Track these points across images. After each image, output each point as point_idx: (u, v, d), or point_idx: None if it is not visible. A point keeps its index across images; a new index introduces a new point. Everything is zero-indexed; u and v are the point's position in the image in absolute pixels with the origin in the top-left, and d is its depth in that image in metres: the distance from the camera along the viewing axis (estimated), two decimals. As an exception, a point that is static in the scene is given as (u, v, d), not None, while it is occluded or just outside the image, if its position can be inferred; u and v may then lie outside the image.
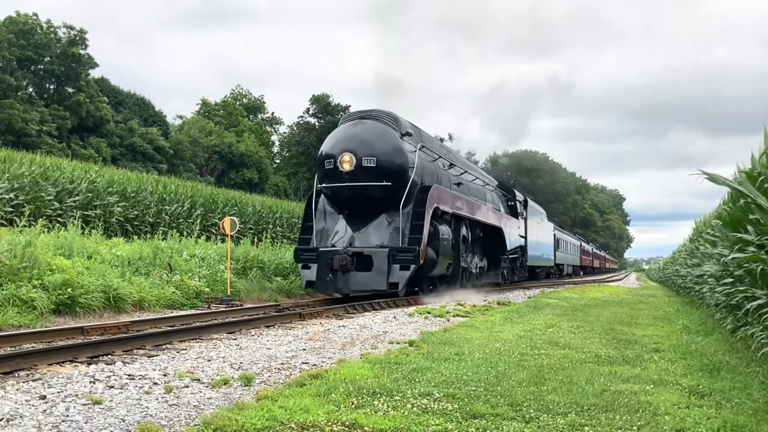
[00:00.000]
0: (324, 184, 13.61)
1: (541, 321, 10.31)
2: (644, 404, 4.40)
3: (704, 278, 11.53)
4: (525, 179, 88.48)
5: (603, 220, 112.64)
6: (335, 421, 3.71)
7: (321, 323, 9.07)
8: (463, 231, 16.46)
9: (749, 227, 6.59)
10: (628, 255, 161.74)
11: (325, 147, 13.76)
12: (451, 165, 17.20)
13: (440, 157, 16.26)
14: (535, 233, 27.55)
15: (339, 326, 8.77)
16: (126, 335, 6.53)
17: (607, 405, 4.32)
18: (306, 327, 8.60)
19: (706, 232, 11.92)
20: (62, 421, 3.53)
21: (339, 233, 13.44)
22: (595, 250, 68.48)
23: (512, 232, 22.18)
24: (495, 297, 16.49)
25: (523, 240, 24.44)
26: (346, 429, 3.61)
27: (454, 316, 10.80)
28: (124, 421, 3.60)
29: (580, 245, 53.99)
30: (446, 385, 4.79)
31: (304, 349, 6.55)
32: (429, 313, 10.91)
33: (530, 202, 27.27)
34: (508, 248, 21.25)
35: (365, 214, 13.49)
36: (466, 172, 18.57)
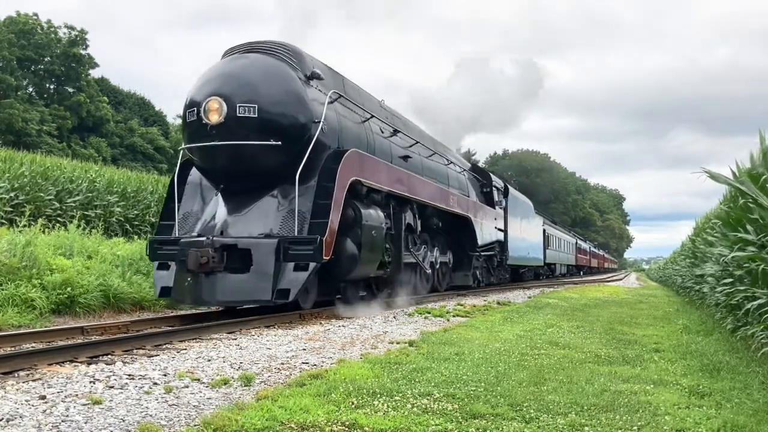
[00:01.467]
0: (187, 145, 9.37)
1: (541, 321, 10.31)
2: (644, 404, 4.40)
3: (704, 278, 11.53)
4: (525, 179, 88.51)
5: (603, 220, 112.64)
6: (335, 421, 3.71)
7: (321, 323, 9.07)
8: (408, 218, 12.66)
9: (749, 227, 6.59)
10: (628, 255, 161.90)
11: (190, 92, 9.34)
12: (395, 132, 12.91)
13: (373, 116, 11.67)
14: (519, 228, 23.98)
15: (339, 326, 8.77)
16: (126, 335, 6.53)
17: (607, 405, 4.32)
18: (306, 327, 8.60)
19: (706, 232, 11.92)
20: (62, 421, 3.53)
21: (210, 218, 9.33)
22: (593, 249, 66.29)
23: (486, 224, 18.45)
24: (495, 297, 16.51)
25: (501, 234, 20.71)
26: (346, 429, 3.61)
27: (454, 316, 10.81)
28: (124, 421, 3.60)
29: (576, 243, 51.15)
30: (446, 385, 4.79)
31: (304, 349, 6.55)
32: (429, 313, 10.92)
33: (513, 191, 23.36)
34: (480, 243, 17.51)
35: (249, 189, 9.27)
36: (417, 143, 14.14)
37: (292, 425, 3.60)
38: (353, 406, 4.09)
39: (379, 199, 11.17)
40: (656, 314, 12.71)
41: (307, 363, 5.77)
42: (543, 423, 3.87)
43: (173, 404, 4.05)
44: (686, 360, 6.52)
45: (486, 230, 18.45)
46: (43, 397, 4.05)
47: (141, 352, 6.16)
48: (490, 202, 19.75)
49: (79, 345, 5.82)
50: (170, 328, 7.77)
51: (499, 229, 20.54)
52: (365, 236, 9.87)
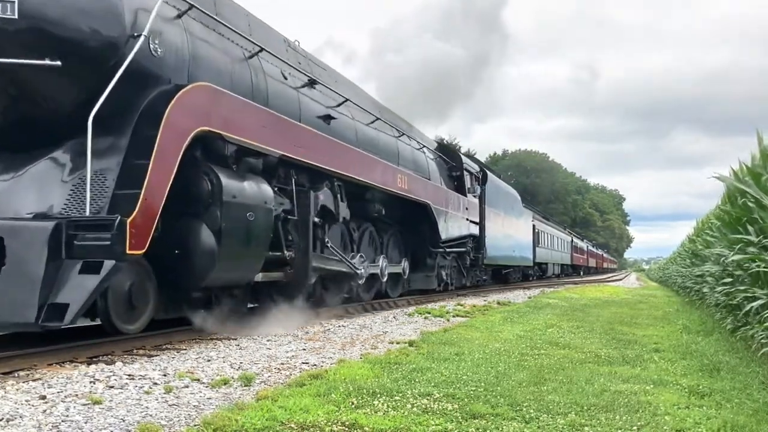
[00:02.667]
0: None
1: (541, 321, 10.32)
2: (644, 404, 4.40)
3: (704, 278, 11.54)
4: (525, 179, 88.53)
5: (603, 220, 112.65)
6: (335, 421, 3.71)
7: (321, 323, 9.07)
8: (324, 200, 9.18)
9: (749, 227, 6.59)
10: (628, 255, 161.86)
11: None
12: (312, 83, 9.53)
13: (265, 51, 8.26)
14: (501, 222, 20.93)
15: (339, 326, 8.77)
16: (126, 336, 6.51)
17: (607, 405, 4.32)
18: (306, 327, 8.60)
19: (705, 232, 11.92)
20: (62, 421, 3.53)
21: None
22: (591, 248, 63.90)
23: (453, 215, 15.28)
24: (495, 297, 16.52)
25: (475, 228, 17.63)
26: (346, 429, 3.61)
27: (454, 316, 10.81)
28: (124, 421, 3.60)
29: (572, 241, 48.27)
30: (446, 385, 4.79)
31: (304, 349, 6.55)
32: (429, 313, 10.92)
33: (492, 178, 20.40)
34: (445, 238, 14.43)
35: (22, 144, 6.10)
36: (346, 101, 10.41)
37: (292, 425, 3.61)
38: (353, 406, 4.09)
39: (264, 166, 7.57)
40: (656, 314, 12.71)
41: (307, 363, 5.77)
42: (543, 423, 3.87)
43: (173, 404, 4.05)
44: (686, 360, 6.52)
45: (453, 222, 15.19)
46: (43, 397, 4.05)
47: (141, 352, 6.16)
48: (460, 188, 16.52)
49: (79, 345, 5.81)
50: (170, 328, 7.74)
51: (473, 222, 17.30)
52: (230, 220, 6.66)
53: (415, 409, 4.08)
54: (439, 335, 7.91)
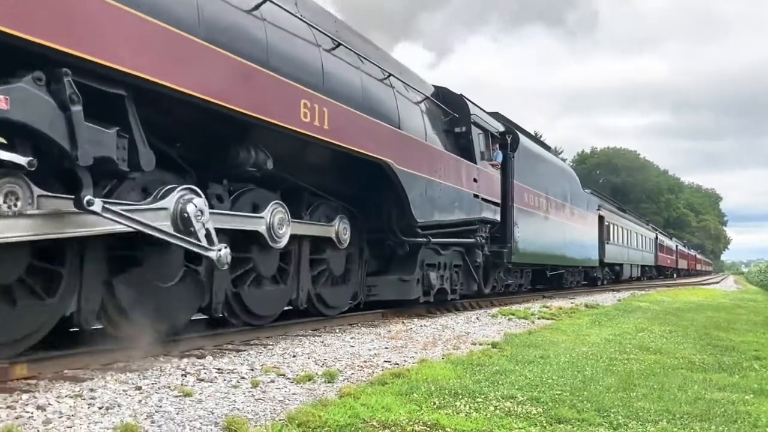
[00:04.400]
0: None
1: (631, 325, 9.97)
2: (743, 414, 4.17)
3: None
4: (615, 178, 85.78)
5: (698, 221, 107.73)
6: (417, 420, 3.70)
7: (403, 322, 9.10)
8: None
9: None
10: (726, 257, 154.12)
11: None
12: None
13: None
14: (544, 206, 15.78)
15: (421, 326, 8.77)
16: (216, 331, 6.74)
17: (702, 414, 4.12)
18: (388, 326, 8.65)
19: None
20: (155, 411, 3.68)
21: None
22: (681, 248, 56.88)
23: (448, 189, 10.27)
24: (582, 299, 16.08)
25: (495, 211, 12.45)
26: (428, 429, 3.60)
27: (539, 318, 10.60)
28: (212, 413, 3.72)
29: (656, 238, 40.93)
30: (530, 388, 4.70)
31: (386, 348, 6.58)
32: (513, 314, 10.76)
33: (528, 144, 15.16)
34: (428, 221, 9.54)
35: None
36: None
37: (374, 423, 3.63)
38: (435, 406, 4.08)
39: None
40: (756, 319, 12.03)
41: (389, 362, 5.80)
42: (632, 430, 3.73)
43: (259, 398, 4.16)
44: (790, 369, 6.13)
45: (447, 198, 10.19)
46: (138, 388, 4.25)
47: (230, 347, 6.36)
48: (467, 152, 11.44)
49: (172, 339, 6.05)
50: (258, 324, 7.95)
51: (490, 202, 12.17)
52: None
53: (497, 411, 4.02)
54: (523, 337, 7.78)
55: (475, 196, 11.48)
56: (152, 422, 3.46)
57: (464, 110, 11.68)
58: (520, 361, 5.92)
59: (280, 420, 3.64)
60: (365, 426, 3.59)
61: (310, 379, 4.80)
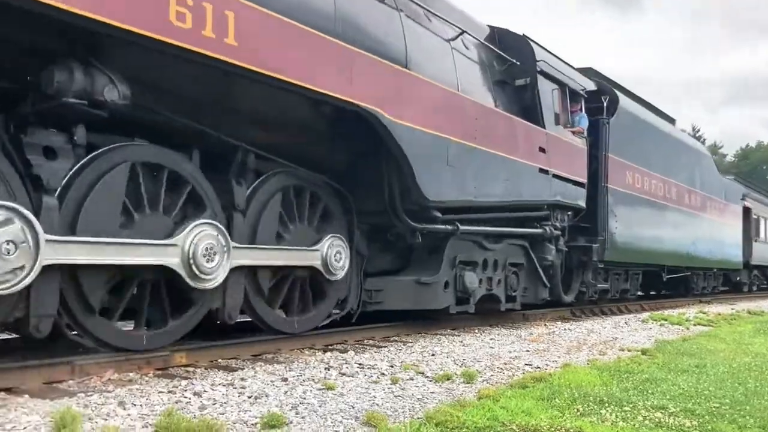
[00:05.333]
0: None
1: (803, 335, 9.06)
2: None
3: None
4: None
5: None
6: (559, 427, 3.57)
7: (546, 325, 8.84)
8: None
9: None
10: None
11: None
12: None
13: None
14: (661, 190, 12.65)
15: (565, 329, 8.49)
16: (358, 327, 6.91)
17: None
18: (530, 328, 8.45)
19: None
20: (300, 403, 3.83)
21: None
22: None
23: (490, 157, 7.55)
24: (744, 305, 14.85)
25: (579, 193, 9.68)
26: (570, 436, 3.46)
27: (694, 325, 9.93)
28: (353, 407, 3.81)
29: None
30: (684, 399, 4.39)
31: (528, 351, 6.43)
32: (665, 320, 10.16)
33: (628, 105, 11.64)
34: (439, 199, 6.75)
35: None
36: None
37: (513, 427, 3.54)
38: (578, 413, 3.92)
39: None
40: None
41: (530, 365, 5.66)
42: (803, 452, 3.38)
43: (398, 395, 4.20)
44: None
45: (487, 169, 7.48)
46: (285, 380, 4.44)
47: (371, 342, 6.49)
48: (529, 111, 8.68)
49: (317, 334, 6.27)
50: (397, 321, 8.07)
51: (570, 181, 9.34)
52: None
53: (647, 422, 3.79)
54: (676, 344, 7.30)
55: (542, 171, 8.60)
56: (296, 413, 3.60)
57: (527, 55, 8.73)
58: (673, 370, 5.56)
59: (418, 418, 3.65)
60: (504, 429, 3.52)
61: (448, 379, 4.78)
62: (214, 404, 3.68)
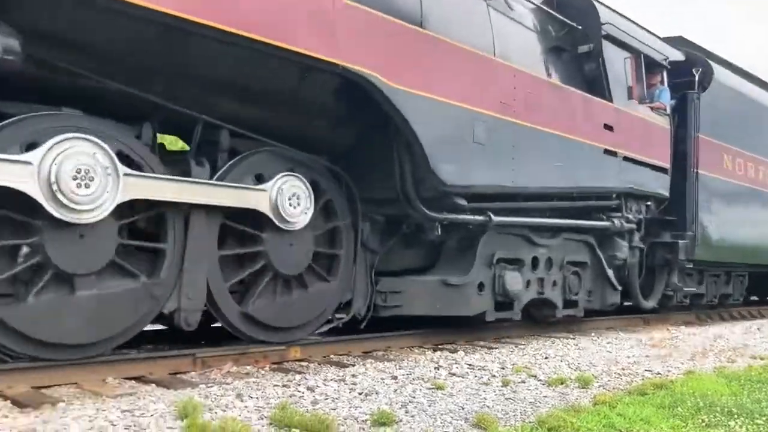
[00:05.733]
0: None
1: None
2: None
3: None
4: None
5: None
6: (681, 437, 3.38)
7: (668, 329, 8.40)
8: None
9: None
10: None
11: None
12: None
13: None
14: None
15: (689, 334, 8.04)
16: (469, 327, 6.85)
17: None
18: (650, 332, 8.05)
19: None
20: (409, 401, 3.84)
21: None
22: None
23: (536, 134, 6.36)
24: None
25: (661, 180, 8.31)
26: (694, 448, 3.27)
27: (838, 333, 9.09)
28: (463, 408, 3.77)
29: None
30: (825, 414, 4.03)
31: (647, 356, 6.13)
32: (804, 326, 9.37)
33: (725, 77, 9.85)
34: (460, 183, 5.64)
35: None
36: None
37: (632, 436, 3.39)
38: (703, 424, 3.69)
39: None
40: None
41: (650, 371, 5.39)
42: None
43: (509, 398, 4.12)
44: None
45: (532, 148, 6.33)
46: (394, 378, 4.47)
47: (482, 343, 6.41)
48: (593, 83, 7.44)
49: (427, 332, 6.27)
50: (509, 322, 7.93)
51: (648, 165, 8.02)
52: None
53: (782, 437, 3.51)
54: (817, 353, 6.72)
55: (609, 152, 7.31)
56: (406, 411, 3.61)
57: (590, 18, 7.49)
58: (813, 382, 5.12)
59: (529, 422, 3.57)
60: (621, 438, 3.37)
61: (562, 383, 4.64)
62: (326, 399, 3.76)
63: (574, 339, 7.02)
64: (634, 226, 7.87)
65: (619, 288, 7.75)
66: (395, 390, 4.10)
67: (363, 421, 3.39)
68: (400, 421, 3.42)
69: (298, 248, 5.02)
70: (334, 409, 3.55)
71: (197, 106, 4.48)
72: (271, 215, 4.76)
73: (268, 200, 4.75)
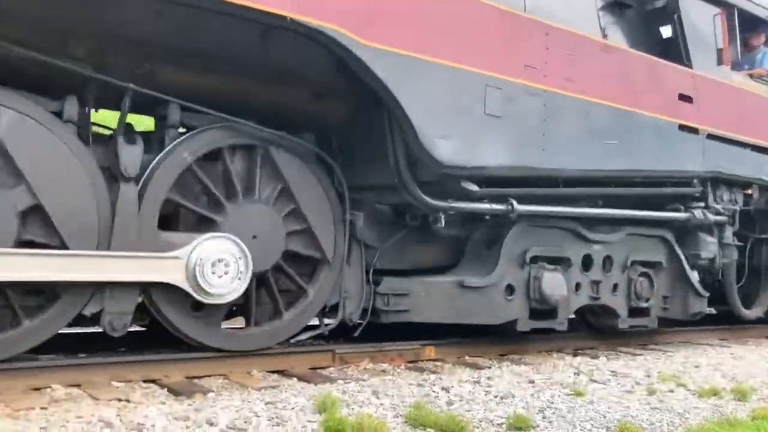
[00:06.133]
0: None
1: None
2: None
3: None
4: None
5: None
6: None
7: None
8: None
9: None
10: None
11: None
12: None
13: None
14: None
15: None
16: (609, 332, 6.55)
17: None
18: (820, 342, 7.31)
19: None
20: (547, 407, 3.73)
21: None
22: None
23: (577, 104, 5.27)
24: None
25: (761, 160, 6.83)
26: None
27: None
28: (604, 417, 3.61)
29: None
30: None
31: (816, 369, 5.57)
32: None
33: None
34: (464, 164, 4.64)
35: None
36: None
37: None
38: None
39: None
40: None
41: (819, 385, 4.88)
42: None
43: (656, 407, 3.89)
44: None
45: (571, 121, 5.21)
46: (531, 382, 4.37)
47: (624, 350, 6.11)
48: (670, 42, 6.25)
49: (566, 337, 6.06)
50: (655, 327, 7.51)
51: (744, 145, 6.65)
52: None
53: None
54: None
55: (687, 128, 6.08)
56: (543, 417, 3.51)
57: None
58: None
59: (678, 434, 3.36)
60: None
61: (715, 394, 4.32)
62: (460, 401, 3.73)
63: (729, 348, 6.54)
64: (725, 218, 6.49)
65: (705, 294, 6.42)
66: (532, 394, 4.00)
67: (498, 424, 3.33)
68: (537, 426, 3.33)
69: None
70: (469, 411, 3.51)
71: (135, 76, 3.90)
72: (187, 287, 3.91)
73: (184, 269, 3.90)
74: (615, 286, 5.84)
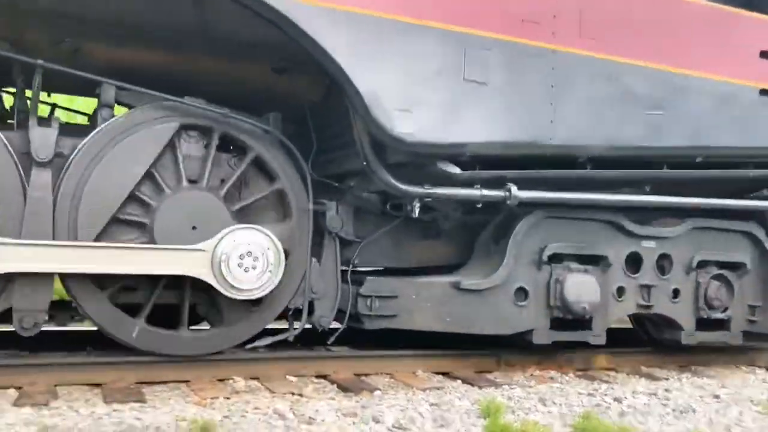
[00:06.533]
0: None
1: None
2: None
3: None
4: None
5: None
6: None
7: None
8: None
9: None
10: None
11: None
12: None
13: None
14: None
15: None
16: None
17: None
18: None
19: None
20: (735, 424, 3.43)
21: None
22: None
23: (609, 67, 4.21)
24: None
25: None
26: None
27: None
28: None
29: None
30: None
31: None
32: None
33: None
34: (416, 140, 3.79)
35: None
36: None
37: None
38: None
39: None
40: None
41: None
42: None
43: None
44: None
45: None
46: (716, 396, 4.03)
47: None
48: None
49: (761, 350, 5.50)
50: None
51: None
52: None
53: None
54: None
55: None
56: (730, 435, 3.22)
57: None
58: None
59: None
60: None
61: None
62: (634, 412, 3.52)
63: None
64: None
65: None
66: (717, 410, 3.68)
67: (678, 440, 3.11)
68: (722, 445, 3.07)
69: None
70: (643, 424, 3.31)
71: (61, 53, 3.65)
72: (214, 283, 3.63)
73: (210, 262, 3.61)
74: (675, 292, 4.79)
